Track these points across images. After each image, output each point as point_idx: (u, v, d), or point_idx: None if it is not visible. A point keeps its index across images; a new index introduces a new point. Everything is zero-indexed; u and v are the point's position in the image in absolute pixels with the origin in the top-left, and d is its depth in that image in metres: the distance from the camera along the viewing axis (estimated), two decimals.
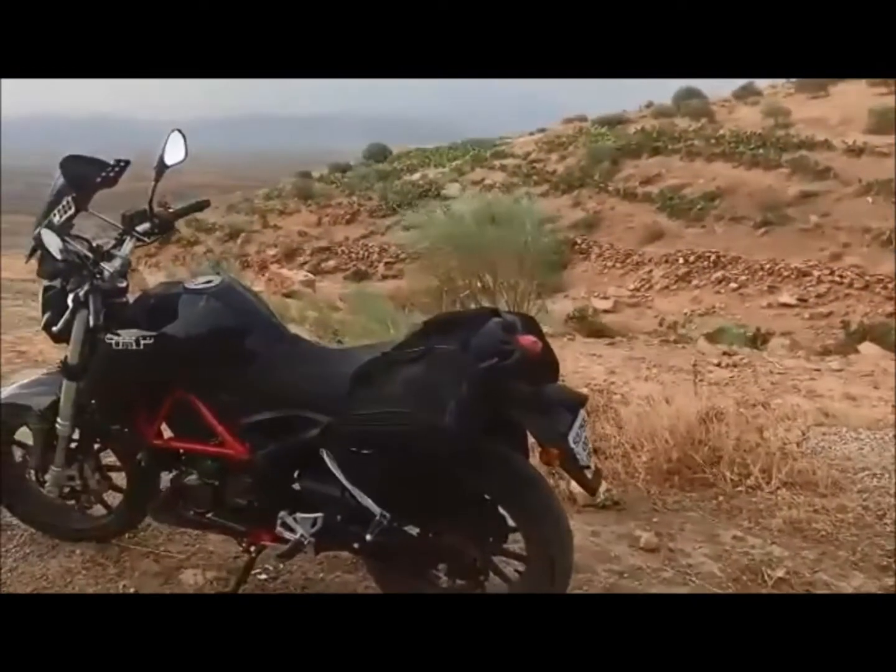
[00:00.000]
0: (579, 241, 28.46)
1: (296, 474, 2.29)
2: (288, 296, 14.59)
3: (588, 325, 19.69)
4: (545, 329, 2.25)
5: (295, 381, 2.25)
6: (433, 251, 10.99)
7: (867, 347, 8.84)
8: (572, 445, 2.05)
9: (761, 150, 26.85)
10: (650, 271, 26.53)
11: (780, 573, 2.78)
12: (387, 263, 26.20)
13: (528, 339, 2.05)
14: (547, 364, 2.13)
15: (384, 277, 24.80)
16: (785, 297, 22.52)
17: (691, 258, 25.28)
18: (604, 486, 3.42)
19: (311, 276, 19.90)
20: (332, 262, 26.98)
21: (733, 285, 23.87)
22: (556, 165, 32.15)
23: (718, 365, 5.97)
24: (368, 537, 2.16)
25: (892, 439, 4.13)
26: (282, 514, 2.32)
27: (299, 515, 2.30)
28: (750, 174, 26.18)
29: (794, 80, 32.74)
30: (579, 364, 5.79)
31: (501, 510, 2.19)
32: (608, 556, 2.99)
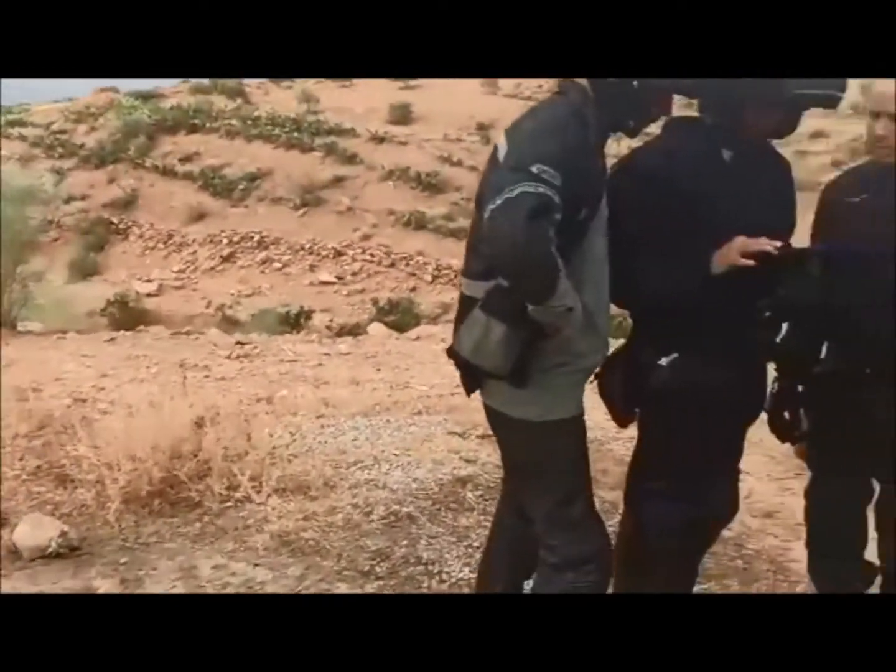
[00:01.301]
0: (116, 220, 26.47)
1: None
2: None
3: (129, 313, 18.33)
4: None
5: None
6: None
7: (375, 328, 9.31)
8: None
9: (296, 134, 27.52)
10: (194, 252, 25.73)
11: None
12: None
13: None
14: None
15: None
16: (325, 276, 23.61)
17: (236, 238, 25.09)
18: (57, 529, 2.81)
19: None
20: None
21: (277, 265, 24.31)
22: (85, 138, 29.39)
23: (230, 356, 5.64)
24: None
25: (387, 425, 4.17)
26: None
27: None
28: (288, 156, 26.75)
29: None
30: (64, 369, 4.99)
31: None
32: None
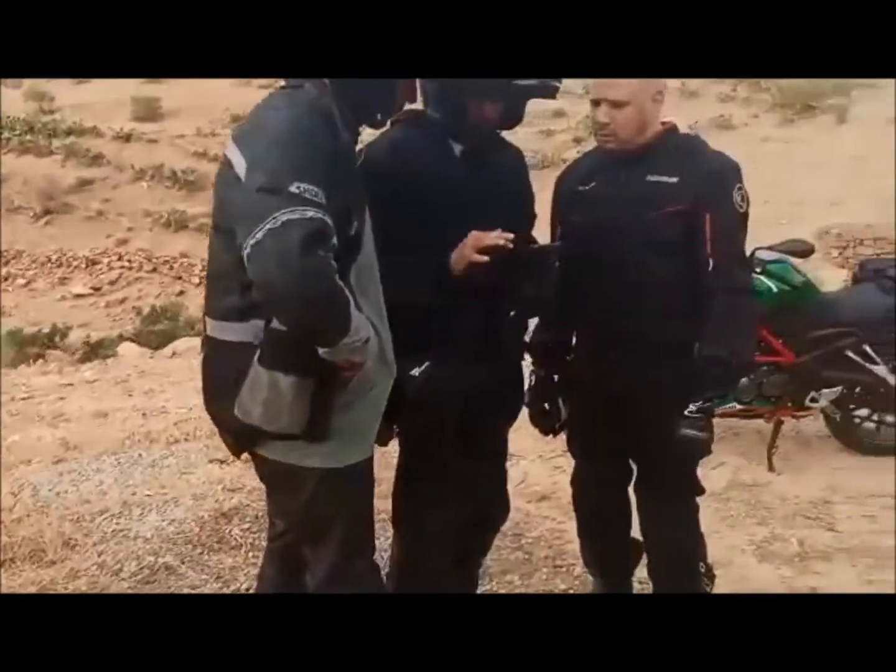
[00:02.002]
0: None
1: None
2: None
3: None
4: None
5: None
6: None
7: (126, 348, 8.53)
8: None
9: (29, 137, 25.05)
10: None
11: None
12: None
13: None
14: None
15: None
16: (78, 288, 21.72)
17: None
18: None
19: None
20: None
21: (21, 281, 22.11)
22: None
23: None
24: None
25: (139, 461, 3.75)
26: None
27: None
28: (22, 161, 24.32)
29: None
30: None
31: None
32: None
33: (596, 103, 2.20)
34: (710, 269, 2.19)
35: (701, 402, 2.18)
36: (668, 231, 2.19)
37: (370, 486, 1.89)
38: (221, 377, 1.73)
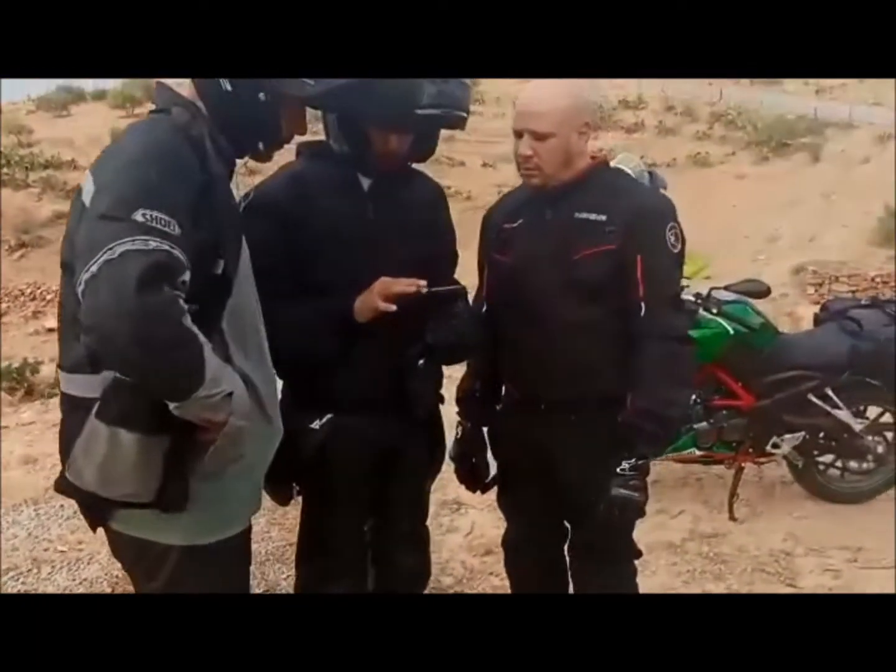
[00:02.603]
0: None
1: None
2: None
3: None
4: None
5: None
6: None
7: None
8: None
9: (6, 169, 24.92)
10: None
11: None
12: None
13: None
14: None
15: None
16: (51, 322, 21.40)
17: None
18: None
19: None
20: None
21: None
22: None
23: None
24: None
25: (59, 512, 3.51)
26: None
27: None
28: None
29: (35, 97, 31.41)
30: None
31: None
32: None
33: (518, 134, 2.05)
34: (641, 313, 2.02)
35: (634, 460, 2.00)
36: (596, 272, 2.03)
37: (245, 563, 1.68)
38: (72, 440, 1.51)
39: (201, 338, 1.38)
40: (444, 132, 2.04)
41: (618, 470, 1.99)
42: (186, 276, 1.38)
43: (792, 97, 25.29)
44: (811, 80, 27.19)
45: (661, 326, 2.02)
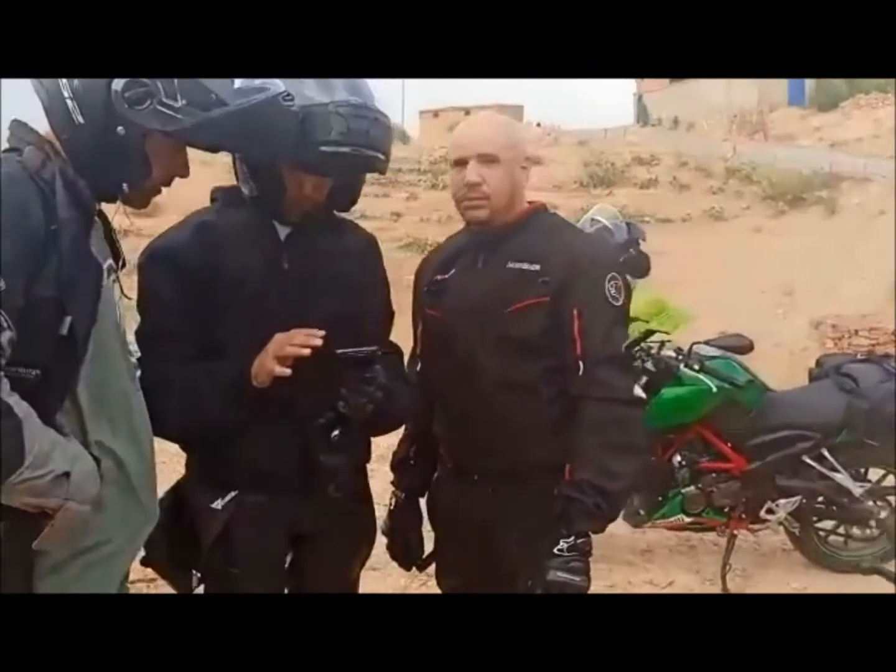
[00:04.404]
0: None
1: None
2: None
3: None
4: None
5: None
6: None
7: None
8: None
9: None
10: None
11: None
12: None
13: None
14: None
15: None
16: None
17: None
18: None
19: None
20: None
21: None
22: None
23: None
24: None
25: None
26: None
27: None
28: None
29: None
30: None
31: None
32: None
33: (461, 163, 1.89)
34: (580, 373, 1.83)
35: (573, 539, 1.77)
36: (530, 328, 1.85)
37: None
38: None
39: (20, 409, 1.23)
40: None
41: (555, 550, 1.77)
42: (5, 337, 1.23)
43: (806, 151, 25.21)
44: (826, 136, 27.16)
45: (601, 387, 1.82)
